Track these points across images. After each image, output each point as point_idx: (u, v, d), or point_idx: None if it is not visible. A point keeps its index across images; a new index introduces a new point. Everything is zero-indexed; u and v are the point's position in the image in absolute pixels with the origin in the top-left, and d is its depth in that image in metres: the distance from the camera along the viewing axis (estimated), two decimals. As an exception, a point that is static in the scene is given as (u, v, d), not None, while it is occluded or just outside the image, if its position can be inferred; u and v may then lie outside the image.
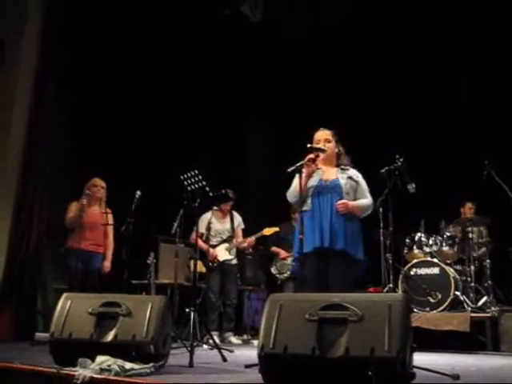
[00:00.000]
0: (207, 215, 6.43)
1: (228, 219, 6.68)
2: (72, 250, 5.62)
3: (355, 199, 4.14)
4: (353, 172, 4.25)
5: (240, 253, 6.69)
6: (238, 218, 6.74)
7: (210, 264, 6.39)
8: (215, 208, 6.43)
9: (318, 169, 4.24)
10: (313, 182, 4.17)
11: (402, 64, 7.53)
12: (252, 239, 6.49)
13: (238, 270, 6.70)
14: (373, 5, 7.37)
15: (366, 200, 4.18)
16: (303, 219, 4.07)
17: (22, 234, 5.88)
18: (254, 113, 9.14)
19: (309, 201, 4.14)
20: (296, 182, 4.07)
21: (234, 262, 6.56)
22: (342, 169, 4.24)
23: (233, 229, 6.62)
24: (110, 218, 5.97)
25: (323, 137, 4.26)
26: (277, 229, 6.56)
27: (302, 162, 4.02)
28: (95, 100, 6.87)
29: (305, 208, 4.14)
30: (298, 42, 7.95)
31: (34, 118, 6.11)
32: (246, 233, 6.73)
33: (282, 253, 7.04)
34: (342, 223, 4.02)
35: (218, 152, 7.69)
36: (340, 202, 4.04)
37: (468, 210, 6.95)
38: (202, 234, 6.33)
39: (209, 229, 6.31)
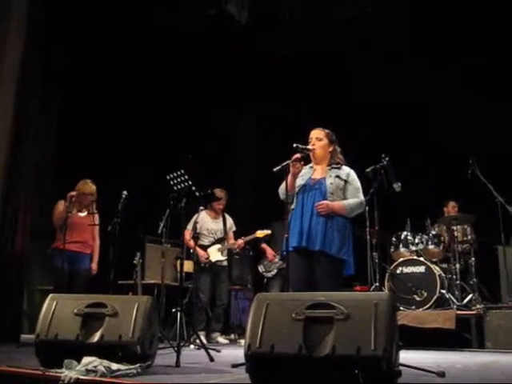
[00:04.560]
0: (196, 215, 6.39)
1: (221, 219, 6.66)
2: (58, 250, 5.58)
3: (344, 198, 4.10)
4: (344, 171, 4.19)
5: (228, 253, 6.68)
6: (229, 219, 6.73)
7: (202, 264, 6.37)
8: (201, 208, 6.40)
9: (310, 167, 4.26)
10: (301, 180, 4.17)
11: (386, 62, 7.58)
12: (241, 242, 6.49)
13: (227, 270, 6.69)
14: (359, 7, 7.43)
15: (355, 199, 4.12)
16: (290, 218, 4.10)
17: (8, 235, 5.83)
18: (242, 111, 9.15)
19: (295, 199, 4.16)
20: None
21: (225, 263, 6.55)
22: (332, 167, 4.20)
23: (225, 230, 6.62)
24: (97, 219, 5.92)
25: (314, 135, 4.26)
26: (269, 232, 6.56)
27: (288, 162, 4.04)
28: (82, 100, 6.83)
29: (293, 206, 4.17)
30: (288, 39, 7.99)
31: (19, 118, 6.05)
32: (237, 232, 6.74)
33: (269, 252, 7.05)
34: (321, 224, 3.98)
35: (206, 151, 7.68)
36: (320, 202, 4.02)
37: (452, 208, 6.99)
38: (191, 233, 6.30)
39: (195, 228, 6.28)
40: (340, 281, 4.07)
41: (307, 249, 3.98)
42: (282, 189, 4.16)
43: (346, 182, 4.14)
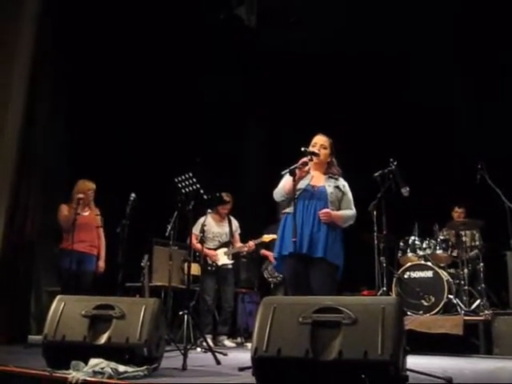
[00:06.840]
0: (203, 218, 6.40)
1: (226, 223, 6.65)
2: (66, 251, 5.61)
3: (339, 209, 4.20)
4: (341, 182, 4.30)
5: (234, 256, 6.68)
6: (235, 222, 6.73)
7: (209, 268, 6.37)
8: (209, 211, 6.41)
9: (307, 173, 4.26)
10: (301, 185, 4.18)
11: (394, 67, 7.55)
12: (252, 244, 6.48)
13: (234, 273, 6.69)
14: (366, 11, 7.42)
15: (350, 211, 4.25)
16: (286, 221, 4.11)
17: (16, 236, 5.86)
18: (250, 114, 9.15)
19: (293, 203, 4.14)
20: (283, 181, 4.16)
21: (231, 266, 6.54)
22: (330, 177, 4.28)
23: (231, 233, 6.61)
24: (100, 220, 5.99)
25: (320, 142, 4.30)
26: (275, 236, 6.53)
27: (295, 165, 4.05)
28: (90, 101, 6.84)
29: (288, 210, 4.17)
30: (295, 46, 7.98)
31: (29, 119, 6.09)
32: (243, 235, 6.73)
33: (271, 256, 7.04)
34: (323, 231, 4.06)
35: (214, 155, 7.69)
36: (324, 210, 4.08)
37: (458, 214, 6.94)
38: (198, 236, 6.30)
39: (203, 231, 6.28)
40: (335, 286, 4.18)
41: (307, 255, 4.02)
42: (278, 191, 4.24)
43: (343, 193, 4.26)
